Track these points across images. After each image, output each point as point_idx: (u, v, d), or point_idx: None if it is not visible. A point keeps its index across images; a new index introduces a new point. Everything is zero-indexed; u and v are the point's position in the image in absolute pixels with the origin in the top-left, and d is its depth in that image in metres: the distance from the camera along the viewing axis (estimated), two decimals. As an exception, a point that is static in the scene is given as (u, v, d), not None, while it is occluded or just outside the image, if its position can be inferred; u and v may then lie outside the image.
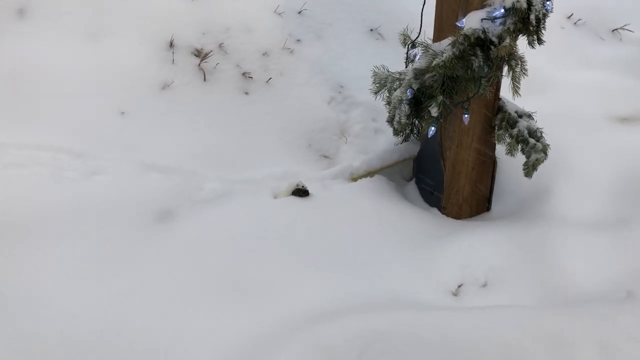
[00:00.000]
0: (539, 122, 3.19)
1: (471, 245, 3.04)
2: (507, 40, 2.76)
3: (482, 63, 2.77)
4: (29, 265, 2.68)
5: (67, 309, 2.52)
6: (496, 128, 3.19)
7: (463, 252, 3.00)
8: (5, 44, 3.50)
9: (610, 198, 3.35)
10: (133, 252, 2.82)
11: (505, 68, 2.94)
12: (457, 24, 2.84)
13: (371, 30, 4.33)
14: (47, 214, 2.90)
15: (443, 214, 3.45)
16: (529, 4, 2.70)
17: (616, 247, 2.97)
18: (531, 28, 2.76)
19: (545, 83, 4.12)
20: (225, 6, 4.00)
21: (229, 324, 2.52)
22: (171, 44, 3.73)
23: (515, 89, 2.94)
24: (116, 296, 2.60)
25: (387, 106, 3.26)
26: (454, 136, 3.21)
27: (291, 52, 4.00)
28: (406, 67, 3.24)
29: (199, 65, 3.73)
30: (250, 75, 3.83)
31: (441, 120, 3.01)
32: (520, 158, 3.16)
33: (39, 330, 2.43)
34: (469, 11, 2.82)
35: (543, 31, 2.79)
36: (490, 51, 2.77)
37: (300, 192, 3.23)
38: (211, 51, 3.78)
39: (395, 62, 3.48)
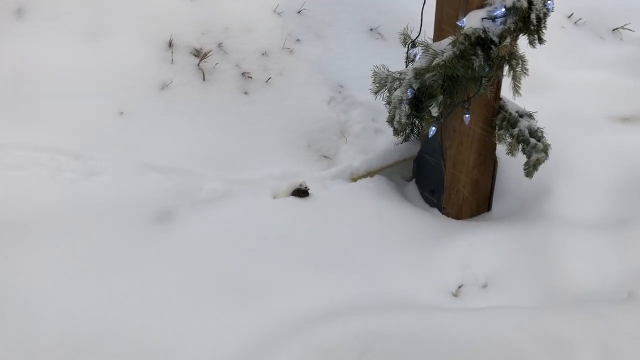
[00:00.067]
0: (539, 122, 3.18)
1: (471, 246, 3.03)
2: (508, 40, 2.75)
3: (482, 62, 2.77)
4: (28, 265, 2.67)
5: (66, 309, 2.52)
6: (497, 128, 3.18)
7: (463, 252, 3.00)
8: (4, 44, 3.49)
9: (611, 198, 3.35)
10: (133, 252, 2.82)
11: (506, 68, 2.94)
12: (458, 23, 2.83)
13: (371, 29, 4.32)
14: (47, 214, 2.89)
15: (443, 214, 3.44)
16: (530, 3, 2.70)
17: (617, 247, 2.97)
18: (532, 27, 2.75)
19: (546, 83, 4.11)
20: (225, 6, 3.99)
21: (228, 324, 2.52)
22: (170, 44, 3.72)
23: (516, 89, 2.93)
24: (116, 296, 2.60)
25: (387, 106, 3.25)
26: (454, 136, 3.21)
27: (291, 52, 3.99)
28: (406, 66, 3.23)
29: (198, 65, 3.72)
30: (249, 75, 3.82)
31: (441, 120, 3.01)
32: (520, 158, 3.15)
33: (38, 330, 2.43)
34: (470, 10, 2.82)
35: (544, 30, 2.79)
36: (491, 51, 2.76)
37: (300, 192, 3.22)
38: (210, 51, 3.77)
39: (395, 61, 3.47)
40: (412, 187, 3.63)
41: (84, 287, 2.62)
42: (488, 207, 3.49)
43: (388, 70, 3.20)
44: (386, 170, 3.61)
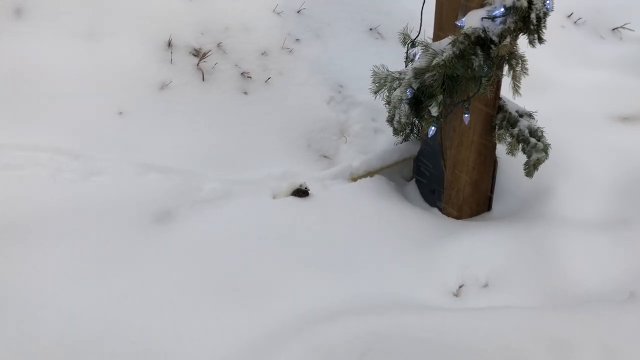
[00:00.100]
0: (539, 122, 3.18)
1: (472, 246, 3.03)
2: (508, 39, 2.75)
3: (482, 62, 2.76)
4: (28, 265, 2.67)
5: (66, 309, 2.52)
6: (497, 127, 3.17)
7: (464, 252, 3.00)
8: (3, 44, 3.49)
9: (611, 198, 3.35)
10: (133, 252, 2.81)
11: (506, 67, 2.93)
12: (457, 22, 2.83)
13: (370, 29, 4.32)
14: (47, 214, 2.89)
15: (443, 214, 3.44)
16: (530, 2, 2.69)
17: (617, 247, 2.97)
18: (532, 27, 2.75)
19: (546, 82, 4.11)
20: (224, 6, 3.99)
21: (228, 324, 2.52)
22: (169, 44, 3.72)
23: (516, 88, 2.92)
24: (116, 296, 2.59)
25: (387, 106, 3.25)
26: (454, 136, 3.21)
27: (290, 51, 3.99)
28: (406, 66, 3.23)
29: (198, 65, 3.72)
30: (249, 75, 3.82)
31: (441, 119, 3.00)
32: (520, 158, 3.15)
33: (38, 330, 2.43)
34: (469, 10, 2.81)
35: (544, 30, 2.78)
36: (491, 50, 2.76)
37: (300, 192, 3.22)
38: (210, 51, 3.77)
39: (395, 61, 3.47)
40: (412, 187, 3.62)
41: (84, 287, 2.62)
42: (488, 207, 3.48)
43: (388, 70, 3.20)
44: (386, 170, 3.61)
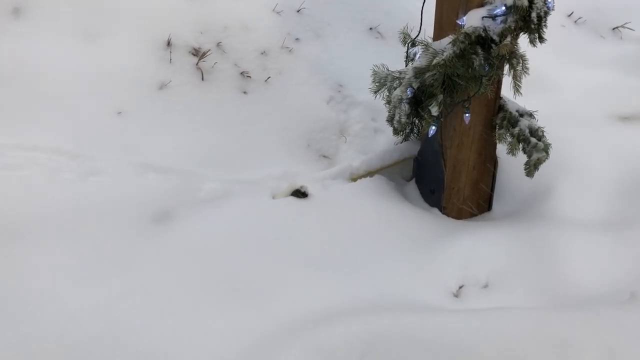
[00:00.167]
0: (540, 121, 3.17)
1: (472, 246, 3.02)
2: (508, 39, 2.74)
3: (482, 62, 2.76)
4: (28, 265, 2.67)
5: (66, 309, 2.51)
6: (497, 127, 3.17)
7: (464, 252, 2.99)
8: (2, 43, 3.48)
9: (612, 198, 3.34)
10: (132, 252, 2.81)
11: (506, 67, 2.93)
12: (458, 22, 2.82)
13: (370, 29, 4.32)
14: (47, 215, 2.89)
15: (443, 214, 3.43)
16: (530, 1, 2.69)
17: (618, 248, 2.96)
18: (532, 26, 2.74)
19: (546, 82, 4.11)
20: (224, 5, 3.99)
21: (228, 325, 2.51)
22: (169, 43, 3.72)
23: (517, 88, 2.92)
24: (116, 296, 2.59)
25: (387, 105, 3.25)
26: (454, 135, 3.20)
27: (290, 51, 3.99)
28: (406, 66, 3.22)
29: (197, 64, 3.72)
30: (248, 75, 3.81)
31: (441, 119, 3.00)
32: (521, 157, 3.15)
33: (38, 331, 2.42)
34: (470, 9, 2.81)
35: (544, 29, 2.78)
36: (491, 49, 2.75)
37: (300, 193, 3.22)
38: (209, 50, 3.76)
39: (395, 61, 3.47)
40: (412, 187, 3.62)
41: (83, 287, 2.61)
42: (488, 207, 3.48)
43: (388, 70, 3.20)
44: (386, 170, 3.60)
